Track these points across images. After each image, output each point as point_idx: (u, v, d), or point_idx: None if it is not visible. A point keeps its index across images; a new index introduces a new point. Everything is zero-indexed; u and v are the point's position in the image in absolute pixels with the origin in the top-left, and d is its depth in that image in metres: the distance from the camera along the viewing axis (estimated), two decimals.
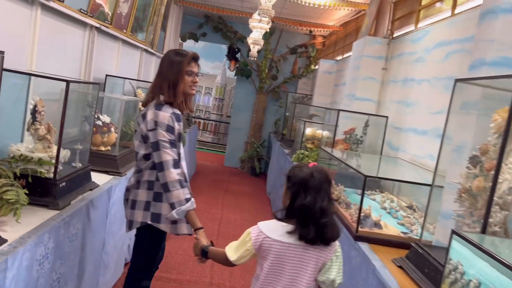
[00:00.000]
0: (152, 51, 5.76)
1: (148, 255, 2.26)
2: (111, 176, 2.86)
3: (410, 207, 3.02)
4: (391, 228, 2.57)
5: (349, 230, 2.44)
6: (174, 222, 2.14)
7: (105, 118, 3.14)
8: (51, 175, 2.08)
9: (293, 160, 4.74)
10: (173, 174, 2.01)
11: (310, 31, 8.02)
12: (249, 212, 5.94)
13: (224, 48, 8.90)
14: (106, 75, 3.87)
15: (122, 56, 4.56)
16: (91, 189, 2.43)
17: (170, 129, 2.06)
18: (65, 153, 2.32)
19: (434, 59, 3.26)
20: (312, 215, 1.60)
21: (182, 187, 2.03)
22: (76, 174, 2.32)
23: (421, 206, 2.96)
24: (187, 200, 2.02)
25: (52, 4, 2.64)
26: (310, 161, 4.47)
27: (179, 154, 2.13)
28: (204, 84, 14.13)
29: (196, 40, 8.52)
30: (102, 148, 3.12)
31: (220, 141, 13.27)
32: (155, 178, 2.11)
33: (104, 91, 3.87)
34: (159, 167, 2.04)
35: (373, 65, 4.30)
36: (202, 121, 13.83)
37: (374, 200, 3.32)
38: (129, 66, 4.97)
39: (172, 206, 2.02)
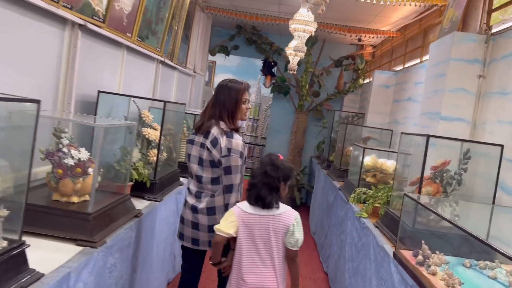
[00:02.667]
0: (172, 64, 4.76)
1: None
2: (79, 250, 1.78)
3: None
4: None
5: None
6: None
7: (81, 154, 2.10)
8: None
9: (352, 201, 3.54)
10: (235, 196, 2.35)
11: (359, 39, 6.86)
12: None
13: (259, 64, 7.86)
14: (99, 92, 2.86)
15: (128, 68, 3.56)
16: None
17: (242, 155, 2.35)
18: None
19: None
20: (255, 186, 2.15)
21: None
22: None
23: None
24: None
25: None
26: (377, 205, 3.26)
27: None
28: None
29: (227, 53, 7.53)
30: (75, 199, 2.06)
31: (254, 166, 12.21)
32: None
33: (96, 112, 2.85)
34: (227, 188, 2.34)
35: (465, 71, 3.09)
36: None
37: (495, 278, 2.10)
38: (139, 81, 3.97)
39: None
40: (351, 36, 6.29)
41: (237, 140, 2.35)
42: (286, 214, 2.15)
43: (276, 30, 7.18)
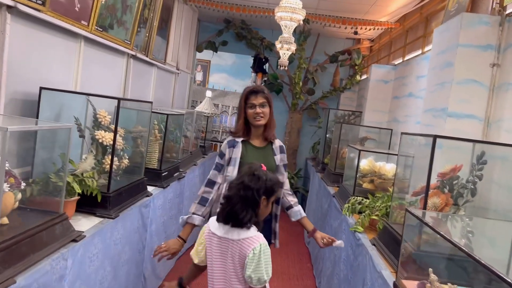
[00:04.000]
0: (147, 59, 4.30)
1: None
2: None
3: None
4: None
5: None
6: None
7: None
8: None
9: (346, 213, 3.08)
10: (201, 190, 2.43)
11: (356, 32, 6.39)
12: (281, 269, 4.28)
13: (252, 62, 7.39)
14: (41, 88, 2.40)
15: (89, 62, 3.10)
16: None
17: (221, 154, 2.44)
18: None
19: None
20: (229, 200, 1.87)
21: (199, 203, 2.39)
22: None
23: None
24: (193, 214, 2.36)
25: None
26: (374, 217, 2.80)
27: (226, 177, 2.35)
28: (232, 104, 12.72)
29: (215, 50, 7.07)
30: None
31: None
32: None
33: (37, 112, 2.39)
34: None
35: (476, 59, 2.63)
36: None
37: None
38: (105, 77, 3.51)
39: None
40: (346, 27, 5.82)
41: (224, 141, 2.47)
42: (248, 241, 1.80)
43: (267, 24, 6.72)
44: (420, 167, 2.81)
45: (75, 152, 2.81)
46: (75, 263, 1.89)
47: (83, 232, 2.01)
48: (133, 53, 3.86)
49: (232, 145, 2.40)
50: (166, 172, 3.53)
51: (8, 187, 1.63)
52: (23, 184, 1.72)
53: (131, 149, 3.35)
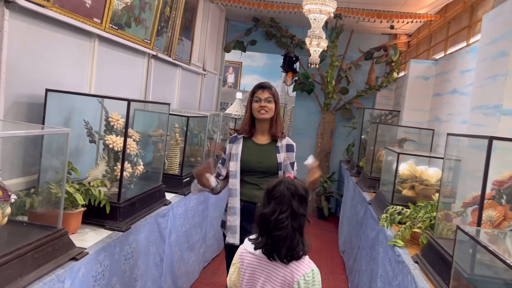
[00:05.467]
0: (171, 59, 4.12)
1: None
2: None
3: None
4: None
5: None
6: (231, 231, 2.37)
7: None
8: None
9: (383, 224, 2.75)
10: None
11: (392, 26, 6.01)
12: None
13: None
14: (47, 90, 2.23)
15: (104, 63, 2.93)
16: None
17: (224, 149, 2.56)
18: None
19: None
20: (267, 226, 1.61)
21: None
22: None
23: None
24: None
25: None
26: (416, 230, 2.47)
27: (230, 171, 2.44)
28: None
29: (243, 49, 6.84)
30: None
31: None
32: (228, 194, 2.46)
33: (43, 116, 2.22)
34: None
35: None
36: None
37: None
38: (124, 78, 3.34)
39: None
40: (381, 21, 5.45)
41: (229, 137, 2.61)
42: (297, 265, 1.59)
43: (298, 21, 6.42)
44: (468, 173, 2.47)
45: (90, 159, 2.64)
46: (75, 284, 1.68)
47: (85, 248, 1.80)
48: (154, 53, 3.67)
49: (232, 141, 2.51)
50: (188, 178, 3.31)
51: None
52: (13, 197, 1.53)
53: (150, 154, 3.17)
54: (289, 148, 2.50)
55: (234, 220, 2.36)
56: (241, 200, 2.40)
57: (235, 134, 2.54)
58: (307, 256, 1.65)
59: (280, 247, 1.59)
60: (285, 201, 1.61)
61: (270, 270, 1.63)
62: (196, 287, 3.65)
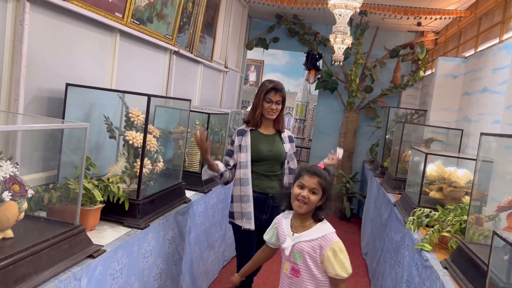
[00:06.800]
0: (192, 56, 4.09)
1: (237, 251, 2.73)
2: None
3: None
4: None
5: None
6: (246, 218, 2.57)
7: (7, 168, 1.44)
8: None
9: (410, 227, 2.64)
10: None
11: (419, 23, 5.84)
12: None
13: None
14: (67, 85, 2.21)
15: (126, 58, 2.91)
16: None
17: (231, 141, 2.68)
18: None
19: None
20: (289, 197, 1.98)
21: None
22: None
23: None
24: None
25: None
26: (445, 234, 2.35)
27: (240, 162, 2.60)
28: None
29: (266, 47, 6.75)
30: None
31: None
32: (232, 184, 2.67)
33: (64, 111, 2.20)
34: None
35: None
36: None
37: None
38: (145, 74, 3.31)
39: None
40: (408, 18, 5.29)
41: (236, 129, 2.68)
42: (325, 238, 1.89)
43: (321, 18, 6.32)
44: (501, 176, 2.34)
45: (110, 155, 2.62)
46: (92, 282, 1.65)
47: (102, 246, 1.77)
48: (176, 49, 3.64)
49: (241, 133, 2.63)
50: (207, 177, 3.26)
51: (10, 195, 1.41)
52: (30, 192, 1.50)
53: (170, 151, 3.13)
54: (291, 139, 2.78)
55: (248, 207, 2.55)
56: (253, 191, 2.58)
57: (243, 127, 2.68)
58: (333, 231, 1.90)
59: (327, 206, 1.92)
60: (299, 176, 1.93)
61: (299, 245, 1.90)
62: (215, 287, 3.60)
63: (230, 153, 2.65)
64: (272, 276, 3.90)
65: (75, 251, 1.61)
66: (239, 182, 2.59)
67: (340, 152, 2.59)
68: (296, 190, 1.93)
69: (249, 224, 2.55)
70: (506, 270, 1.59)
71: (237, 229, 2.63)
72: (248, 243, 2.61)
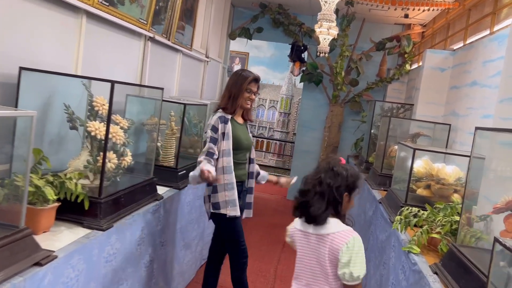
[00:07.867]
0: (169, 43, 3.85)
1: (232, 240, 2.69)
2: None
3: None
4: None
5: None
6: (231, 205, 2.56)
7: None
8: None
9: (396, 227, 2.48)
10: (200, 158, 2.54)
11: (406, 15, 5.69)
12: None
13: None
14: (21, 68, 1.97)
15: (94, 42, 2.68)
16: None
17: (214, 128, 2.58)
18: None
19: None
20: (305, 195, 1.81)
21: (206, 156, 2.53)
22: None
23: None
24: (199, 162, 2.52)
25: None
26: (434, 235, 2.20)
27: (223, 150, 2.56)
28: (268, 97, 11.86)
29: (249, 37, 6.54)
30: None
31: (285, 165, 10.99)
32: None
33: (17, 96, 1.96)
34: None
35: None
36: (265, 140, 11.58)
37: None
38: (116, 60, 3.08)
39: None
40: (395, 9, 5.11)
41: (215, 116, 2.63)
42: (337, 235, 1.74)
43: (307, 9, 6.14)
44: (494, 173, 2.19)
45: (75, 148, 2.39)
46: None
47: (54, 251, 1.55)
48: (151, 35, 3.41)
49: (223, 121, 2.60)
50: (184, 171, 3.06)
51: None
52: None
53: (143, 144, 2.92)
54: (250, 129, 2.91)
55: (232, 195, 2.56)
56: None
57: (223, 114, 2.63)
58: (349, 227, 1.80)
59: (299, 201, 1.82)
60: (320, 170, 1.81)
61: (315, 243, 1.80)
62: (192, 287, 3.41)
63: (214, 141, 2.58)
64: (292, 265, 3.73)
65: (18, 258, 1.40)
66: (221, 170, 2.56)
67: (294, 178, 2.85)
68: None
69: (235, 211, 2.56)
70: (506, 279, 1.43)
71: (221, 218, 2.60)
72: (235, 229, 2.64)
